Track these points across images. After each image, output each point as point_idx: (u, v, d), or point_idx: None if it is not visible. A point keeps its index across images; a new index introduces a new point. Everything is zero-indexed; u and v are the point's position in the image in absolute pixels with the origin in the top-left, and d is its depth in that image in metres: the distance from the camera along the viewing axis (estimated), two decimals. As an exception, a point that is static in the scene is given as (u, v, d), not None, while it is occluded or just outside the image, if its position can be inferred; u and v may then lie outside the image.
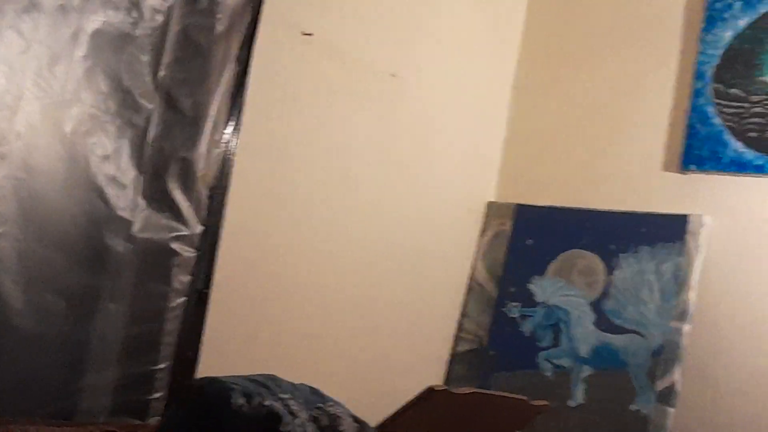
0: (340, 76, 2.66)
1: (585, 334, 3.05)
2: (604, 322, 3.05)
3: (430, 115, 3.03)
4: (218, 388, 1.71)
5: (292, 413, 1.78)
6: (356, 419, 1.99)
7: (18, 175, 1.92)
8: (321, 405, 1.93)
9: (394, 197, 2.92)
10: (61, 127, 1.99)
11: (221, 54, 2.28)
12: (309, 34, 2.52)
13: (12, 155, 1.92)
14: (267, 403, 1.73)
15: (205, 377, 1.84)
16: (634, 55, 3.21)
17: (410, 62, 2.91)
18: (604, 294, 3.06)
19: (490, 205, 3.33)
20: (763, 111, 2.95)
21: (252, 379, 1.82)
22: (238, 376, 1.83)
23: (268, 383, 1.83)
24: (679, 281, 2.97)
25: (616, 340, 3.01)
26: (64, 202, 2.00)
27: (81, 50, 2.01)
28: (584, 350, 3.04)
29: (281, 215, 2.53)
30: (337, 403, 1.99)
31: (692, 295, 2.95)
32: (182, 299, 2.25)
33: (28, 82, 1.92)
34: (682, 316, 2.94)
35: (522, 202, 3.28)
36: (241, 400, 1.70)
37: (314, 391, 1.98)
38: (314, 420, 1.88)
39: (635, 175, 3.16)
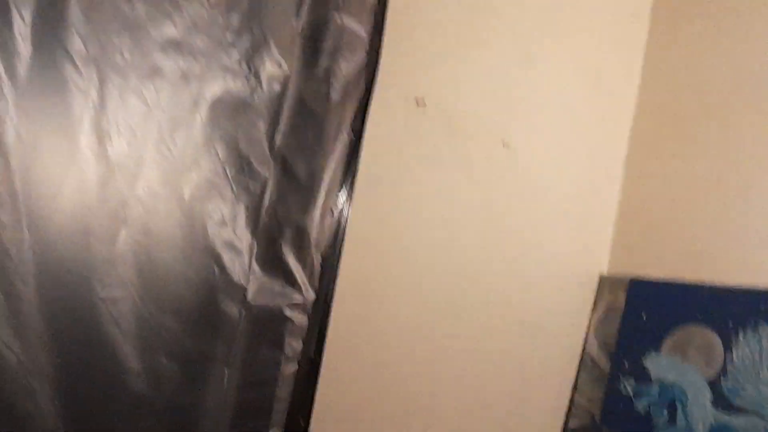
0: (451, 144, 2.66)
1: (702, 414, 2.95)
2: (722, 402, 2.95)
3: (541, 186, 3.00)
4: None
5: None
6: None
7: (138, 239, 1.96)
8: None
9: (504, 268, 2.89)
10: (180, 192, 2.02)
11: (336, 122, 2.30)
12: (423, 104, 2.53)
13: (133, 219, 1.95)
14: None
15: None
16: (758, 124, 3.14)
17: (522, 131, 2.90)
18: (722, 372, 2.97)
19: (603, 279, 3.27)
20: None
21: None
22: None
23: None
24: (801, 360, 2.86)
25: (736, 421, 2.91)
26: (181, 266, 2.02)
27: (201, 117, 2.04)
28: (701, 430, 2.94)
29: (392, 283, 2.52)
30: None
31: (815, 376, 2.84)
32: (294, 366, 2.24)
33: (149, 147, 1.96)
34: (805, 397, 2.83)
35: (636, 275, 3.22)
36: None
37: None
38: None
39: (755, 249, 3.07)
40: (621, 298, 3.20)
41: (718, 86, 3.27)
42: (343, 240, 2.34)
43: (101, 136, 1.90)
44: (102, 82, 1.89)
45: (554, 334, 3.11)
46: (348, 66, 2.32)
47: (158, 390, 1.99)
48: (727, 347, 2.98)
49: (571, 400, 3.16)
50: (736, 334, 2.97)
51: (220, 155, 2.08)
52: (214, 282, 2.08)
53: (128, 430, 1.95)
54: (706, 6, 3.35)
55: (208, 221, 2.07)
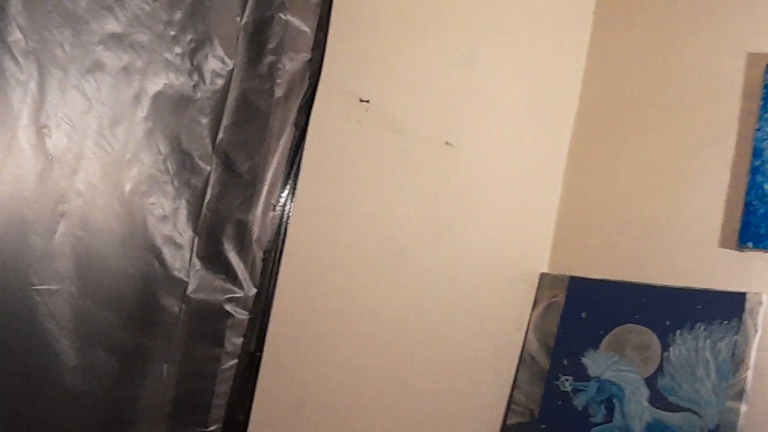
0: (395, 143, 2.67)
1: (639, 411, 3.00)
2: (658, 399, 2.99)
3: (483, 184, 3.03)
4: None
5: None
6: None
7: (77, 233, 1.95)
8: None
9: (445, 266, 2.91)
10: (121, 186, 2.02)
11: (279, 118, 2.30)
12: (366, 101, 2.55)
13: (71, 213, 1.94)
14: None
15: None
16: (691, 130, 3.20)
17: (465, 131, 2.93)
18: (659, 370, 3.01)
19: (544, 276, 3.31)
20: (823, 188, 2.92)
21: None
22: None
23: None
24: (736, 360, 2.91)
25: (671, 418, 2.95)
26: (121, 260, 2.02)
27: (142, 112, 2.04)
28: (638, 427, 2.98)
29: (334, 279, 2.54)
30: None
31: (749, 375, 2.89)
32: (234, 361, 2.24)
33: (89, 141, 1.95)
34: (739, 395, 2.88)
35: (575, 274, 3.26)
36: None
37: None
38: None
39: (691, 251, 3.13)
40: (561, 296, 3.24)
41: (656, 92, 3.32)
42: (285, 236, 2.35)
43: (40, 130, 1.89)
44: (42, 75, 1.88)
45: (495, 332, 3.14)
46: (292, 63, 2.33)
47: (95, 385, 1.98)
48: (664, 346, 3.02)
49: (511, 397, 3.20)
50: (673, 333, 3.02)
51: (162, 150, 2.08)
52: (153, 276, 2.08)
53: (64, 426, 1.94)
54: (646, 12, 3.40)
55: (149, 216, 2.06)
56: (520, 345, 3.24)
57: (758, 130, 3.03)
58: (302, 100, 2.36)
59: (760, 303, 2.93)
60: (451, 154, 2.88)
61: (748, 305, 2.94)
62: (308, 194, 2.41)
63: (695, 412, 2.92)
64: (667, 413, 2.96)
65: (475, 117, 2.97)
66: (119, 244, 2.02)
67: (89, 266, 1.97)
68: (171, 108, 2.10)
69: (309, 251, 2.45)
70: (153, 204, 2.07)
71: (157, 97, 2.07)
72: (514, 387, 3.21)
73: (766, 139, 3.01)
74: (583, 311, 3.20)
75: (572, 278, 3.26)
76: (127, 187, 2.03)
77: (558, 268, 3.32)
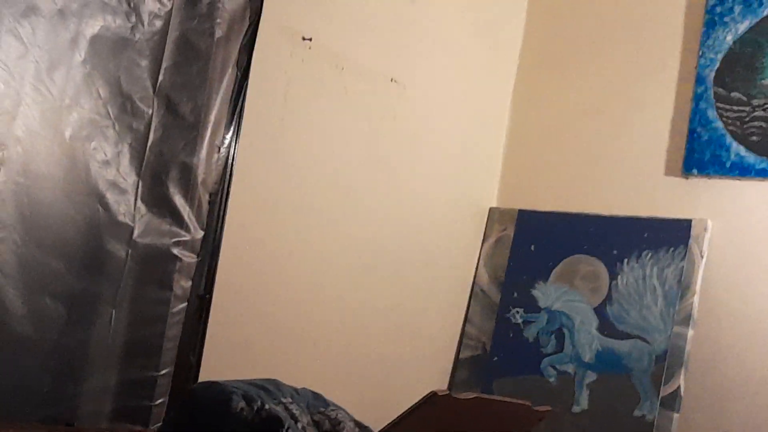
0: (340, 80, 2.66)
1: (588, 340, 3.04)
2: (607, 328, 3.04)
3: (430, 121, 3.03)
4: (218, 391, 1.71)
5: (293, 417, 1.78)
6: (358, 423, 1.98)
7: (17, 180, 1.92)
8: (323, 409, 1.93)
9: (395, 202, 2.92)
10: (61, 132, 1.99)
11: (220, 59, 2.28)
12: (308, 39, 2.52)
13: (11, 160, 1.91)
14: (268, 407, 1.72)
15: (205, 381, 1.84)
16: (635, 59, 3.21)
17: (410, 67, 2.91)
18: (608, 299, 3.06)
19: (493, 211, 3.32)
20: (765, 115, 2.95)
21: (253, 383, 1.81)
22: (239, 381, 1.82)
23: (269, 387, 1.83)
24: (683, 286, 2.96)
25: (620, 345, 3.00)
26: (64, 207, 1.99)
27: (80, 55, 2.00)
28: (588, 356, 3.03)
29: (282, 220, 2.53)
30: (338, 408, 1.98)
31: (696, 300, 2.94)
32: (183, 305, 2.24)
33: (27, 87, 1.92)
34: (686, 320, 2.93)
35: (524, 207, 3.28)
36: (241, 404, 1.69)
37: (316, 396, 1.97)
38: (316, 424, 1.87)
39: (637, 180, 3.15)
40: (510, 230, 3.26)
41: (599, 23, 3.33)
42: (230, 177, 2.34)
43: (-25, 76, 1.86)
44: (-26, 21, 1.84)
45: (445, 268, 3.16)
46: (232, 2, 2.30)
47: (43, 332, 1.97)
48: (612, 275, 3.06)
49: (463, 331, 3.23)
50: (621, 262, 3.06)
51: (102, 94, 2.05)
52: (98, 222, 2.06)
53: (13, 374, 1.93)
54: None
55: (91, 161, 2.04)
56: (471, 280, 3.27)
57: (701, 56, 3.05)
58: (243, 39, 2.33)
59: (706, 229, 2.97)
60: (397, 90, 2.87)
61: (693, 232, 2.98)
62: (253, 135, 2.39)
63: (643, 339, 2.97)
64: (616, 341, 3.01)
65: (420, 53, 2.96)
66: (62, 190, 1.99)
67: (32, 213, 1.94)
68: (109, 51, 2.06)
69: (256, 192, 2.44)
70: (95, 149, 2.04)
71: (95, 40, 2.03)
72: (465, 321, 3.24)
73: (708, 66, 3.03)
74: (533, 244, 3.23)
75: (521, 211, 3.28)
76: (68, 133, 2.00)
77: (507, 202, 3.34)
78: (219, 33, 2.27)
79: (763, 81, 2.97)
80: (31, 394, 1.99)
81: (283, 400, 1.80)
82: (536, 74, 3.39)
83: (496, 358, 3.14)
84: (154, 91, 2.15)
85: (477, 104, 3.24)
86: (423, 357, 3.08)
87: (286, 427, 1.71)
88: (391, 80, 2.84)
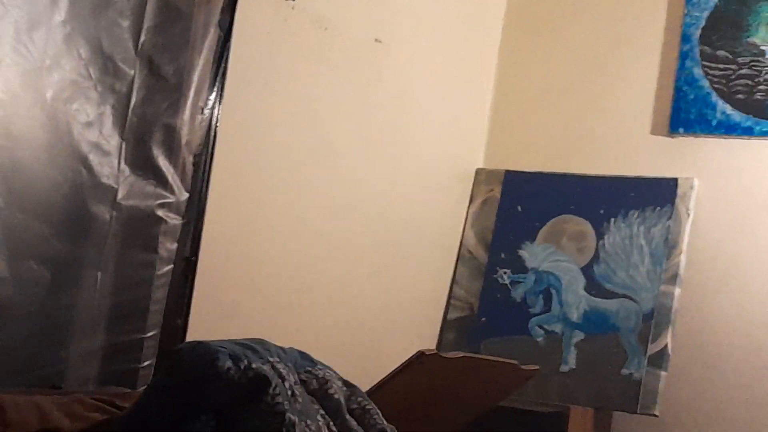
0: (324, 41, 2.64)
1: (576, 300, 3.05)
2: (594, 287, 3.05)
3: (415, 82, 3.01)
4: (204, 351, 1.69)
5: (280, 376, 1.77)
6: (346, 382, 1.98)
7: (-1, 142, 1.90)
8: (310, 368, 1.92)
9: (381, 165, 2.91)
10: (42, 93, 1.96)
11: (202, 19, 2.25)
12: (292, 0, 2.50)
13: (-8, 123, 1.90)
14: (254, 365, 1.71)
15: (191, 341, 1.83)
16: (621, 17, 3.20)
17: (395, 28, 2.89)
18: (595, 259, 3.06)
19: (479, 172, 3.31)
20: (751, 72, 2.95)
21: (239, 343, 1.80)
22: (225, 341, 1.81)
23: (255, 347, 1.82)
24: (669, 245, 2.96)
25: (607, 304, 3.01)
26: (47, 169, 1.98)
27: (60, 15, 1.98)
28: (575, 315, 3.04)
29: (267, 181, 2.52)
30: (326, 367, 1.98)
31: (682, 259, 2.95)
32: (169, 267, 2.23)
33: (6, 47, 1.89)
34: (673, 279, 2.94)
35: (511, 168, 3.27)
36: (228, 363, 1.68)
37: (303, 355, 1.96)
38: (303, 383, 1.87)
39: (624, 139, 3.15)
40: (497, 191, 3.26)
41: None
42: (215, 139, 2.32)
43: (-47, 37, 1.84)
44: (-49, -19, 1.82)
45: (433, 229, 3.16)
46: (213, -39, 2.28)
47: (29, 296, 1.96)
48: (599, 234, 3.07)
49: (450, 292, 3.23)
50: (608, 221, 3.07)
51: (83, 54, 2.03)
52: (81, 184, 2.04)
53: (0, 338, 1.93)
54: None
55: (73, 123, 2.02)
56: (458, 241, 3.26)
57: (686, 15, 3.04)
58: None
59: (692, 187, 2.97)
60: (382, 51, 2.85)
61: (680, 190, 2.98)
62: (236, 96, 2.37)
63: (631, 298, 2.97)
64: (603, 300, 3.02)
65: (405, 12, 2.94)
66: (44, 153, 1.98)
67: (15, 176, 1.93)
68: (90, 11, 2.04)
69: (240, 154, 2.42)
70: (77, 110, 2.02)
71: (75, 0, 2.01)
72: (453, 282, 3.24)
73: (694, 24, 3.02)
74: (519, 204, 3.22)
75: (508, 172, 3.27)
76: (49, 94, 1.98)
77: (493, 163, 3.33)
78: (200, -7, 2.25)
79: (748, 39, 2.96)
80: (18, 358, 1.98)
81: (270, 360, 1.79)
82: (522, 34, 3.37)
83: (483, 319, 3.15)
84: (135, 52, 2.13)
85: (463, 65, 3.22)
86: (411, 318, 3.08)
87: (273, 386, 1.70)
88: (376, 40, 2.82)
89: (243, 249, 2.46)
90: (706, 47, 3.00)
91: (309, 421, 1.74)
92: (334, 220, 2.74)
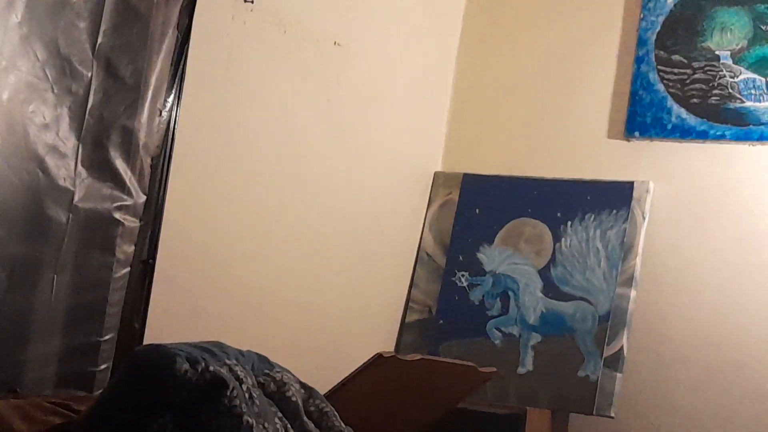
0: (283, 43, 2.64)
1: (533, 302, 3.07)
2: (551, 290, 3.07)
3: (374, 85, 3.02)
4: (161, 353, 1.69)
5: (238, 379, 1.77)
6: (303, 385, 1.98)
7: (-46, 144, 1.89)
8: (268, 371, 1.93)
9: (340, 167, 2.91)
10: (-2, 95, 1.95)
11: (161, 21, 2.24)
12: (250, 1, 2.50)
13: (-53, 124, 1.88)
14: (212, 368, 1.71)
15: (148, 344, 1.83)
16: (577, 22, 3.22)
17: (354, 30, 2.90)
18: (552, 262, 3.08)
19: (437, 175, 3.33)
20: (705, 77, 2.98)
21: (197, 346, 1.80)
22: (183, 343, 1.81)
23: (213, 349, 1.82)
24: (625, 248, 2.99)
25: (564, 307, 3.04)
26: (3, 171, 1.96)
27: (16, 16, 1.96)
28: (532, 318, 3.06)
29: (225, 184, 2.51)
30: (284, 370, 1.98)
31: (638, 261, 2.98)
32: (126, 270, 2.21)
33: (-39, 48, 1.88)
34: (629, 282, 2.97)
35: (469, 171, 3.29)
36: (185, 366, 1.67)
37: (261, 358, 1.97)
38: (261, 386, 1.87)
39: (580, 143, 3.18)
40: (455, 194, 3.27)
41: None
42: (173, 141, 2.31)
43: None
44: None
45: (391, 232, 3.17)
46: (171, -38, 2.27)
47: (-16, 298, 1.95)
48: (556, 237, 3.09)
49: (409, 295, 3.24)
50: (565, 224, 3.09)
51: (39, 56, 2.01)
52: (38, 186, 2.02)
53: (-46, 340, 1.91)
54: None
55: (29, 125, 2.00)
56: (417, 244, 3.28)
57: (642, 19, 3.07)
58: (184, 1, 2.30)
59: (648, 191, 3.01)
60: (341, 54, 2.86)
61: (635, 194, 3.01)
62: (195, 98, 2.37)
63: (587, 300, 3.00)
64: (560, 302, 3.04)
65: (364, 15, 2.95)
66: (0, 155, 1.96)
67: (-31, 178, 1.91)
68: (46, 12, 2.02)
69: (199, 156, 2.42)
70: (33, 112, 2.01)
71: (31, 1, 1.99)
72: (411, 285, 3.25)
73: (650, 29, 3.05)
74: (477, 207, 3.24)
75: (466, 175, 3.29)
76: (5, 96, 1.96)
77: (451, 166, 3.35)
78: (159, -6, 2.24)
79: (703, 43, 3.00)
80: (-29, 361, 1.97)
81: (228, 362, 1.79)
82: (480, 38, 3.39)
83: (442, 322, 3.16)
84: (93, 54, 2.12)
85: (421, 68, 3.24)
86: (369, 321, 3.09)
87: (230, 388, 1.70)
88: (335, 43, 2.83)
89: (201, 252, 2.45)
90: (661, 52, 3.04)
91: (267, 424, 1.74)
92: (292, 222, 2.74)
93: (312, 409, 1.95)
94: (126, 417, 1.64)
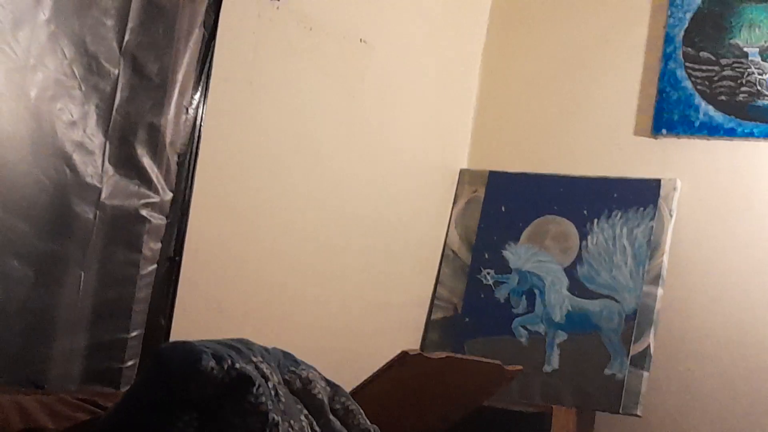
0: (308, 41, 2.64)
1: (559, 300, 3.06)
2: (577, 288, 3.06)
3: (400, 82, 3.02)
4: (187, 351, 1.69)
5: (264, 376, 1.77)
6: (329, 382, 1.98)
7: (-18, 141, 1.90)
8: (294, 369, 1.92)
9: (365, 165, 2.91)
10: (26, 92, 1.96)
11: (187, 19, 2.25)
12: (277, 1, 2.50)
13: (-24, 122, 1.89)
14: (238, 365, 1.71)
15: (174, 341, 1.83)
16: (604, 18, 3.21)
17: (380, 28, 2.90)
18: (578, 259, 3.07)
19: (463, 173, 3.32)
20: (733, 74, 2.96)
21: (223, 343, 1.80)
22: (209, 340, 1.81)
23: (239, 346, 1.82)
24: (652, 245, 2.98)
25: (590, 305, 3.02)
26: (30, 168, 1.97)
27: (44, 14, 1.97)
28: (558, 316, 3.04)
29: (251, 181, 2.52)
30: (309, 367, 1.98)
31: (665, 259, 2.96)
32: (153, 267, 2.22)
33: (-10, 46, 1.89)
34: (655, 280, 2.95)
35: (495, 168, 3.28)
36: (211, 363, 1.67)
37: (287, 355, 1.96)
38: (287, 383, 1.86)
39: (607, 140, 3.17)
40: (481, 191, 3.26)
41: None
42: (199, 138, 2.32)
43: (-63, 35, 1.83)
44: (-66, -22, 1.81)
45: (417, 230, 3.16)
46: (197, -39, 2.28)
47: (11, 294, 1.95)
48: (582, 235, 3.08)
49: (434, 293, 3.23)
50: (591, 222, 3.08)
51: (67, 54, 2.02)
52: (65, 183, 2.03)
53: (-18, 336, 1.92)
54: None
55: (57, 122, 2.01)
56: (442, 241, 3.27)
57: (670, 16, 3.05)
58: (210, -1, 2.31)
59: (675, 188, 2.99)
60: (366, 51, 2.85)
61: (662, 191, 3.00)
62: (221, 96, 2.37)
63: (613, 298, 2.99)
64: (586, 300, 3.03)
65: (390, 12, 2.94)
66: (28, 152, 1.97)
67: (-2, 175, 1.92)
68: (74, 10, 2.03)
69: (224, 153, 2.42)
70: (60, 109, 2.02)
71: (59, -2, 2.01)
72: (437, 283, 3.25)
73: (677, 25, 3.03)
74: (503, 205, 3.23)
75: (491, 173, 3.28)
76: (33, 93, 1.97)
77: (477, 164, 3.34)
78: (185, -8, 2.25)
79: (731, 40, 2.98)
80: (0, 357, 1.97)
81: (254, 359, 1.79)
82: (506, 35, 3.38)
83: (467, 319, 3.15)
84: (120, 51, 2.13)
85: (447, 65, 3.23)
86: (394, 319, 3.09)
87: (256, 385, 1.70)
88: (361, 41, 2.82)
89: (227, 249, 2.45)
90: (689, 49, 3.02)
91: (292, 421, 1.74)
92: (318, 220, 2.75)
93: (337, 406, 1.94)
94: (151, 414, 1.64)
